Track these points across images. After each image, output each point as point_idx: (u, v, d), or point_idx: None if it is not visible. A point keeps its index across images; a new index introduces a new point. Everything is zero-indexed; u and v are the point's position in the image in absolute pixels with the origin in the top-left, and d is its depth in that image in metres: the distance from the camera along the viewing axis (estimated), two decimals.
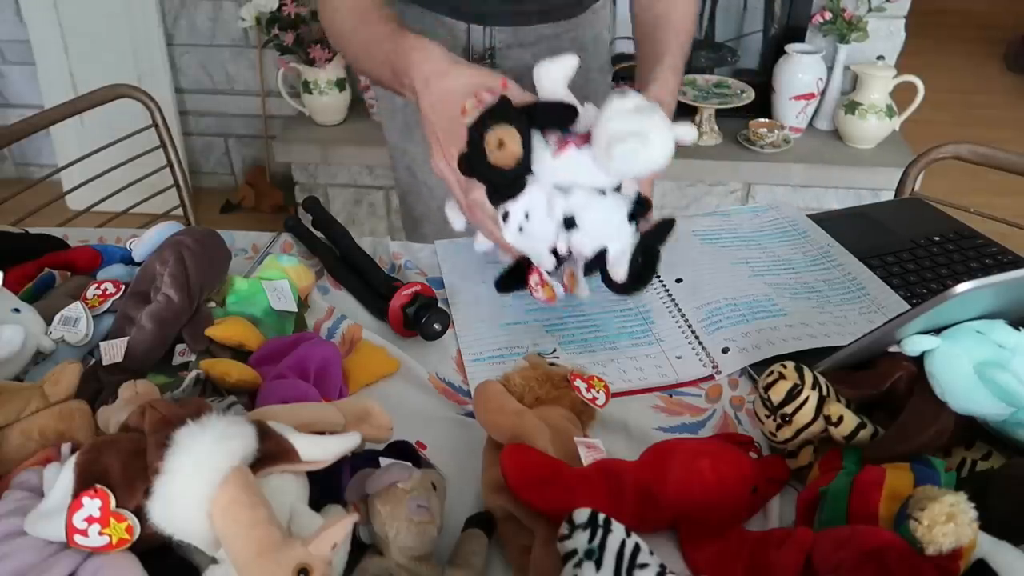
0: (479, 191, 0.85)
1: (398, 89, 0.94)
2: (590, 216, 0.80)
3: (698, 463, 0.65)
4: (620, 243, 0.82)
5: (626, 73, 2.26)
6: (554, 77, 0.83)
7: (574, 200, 0.80)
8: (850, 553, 0.55)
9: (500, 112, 0.79)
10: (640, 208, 0.80)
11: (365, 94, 2.43)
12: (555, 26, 1.15)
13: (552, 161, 0.80)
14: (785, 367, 0.68)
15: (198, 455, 0.52)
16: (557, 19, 1.14)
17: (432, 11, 1.14)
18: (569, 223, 0.81)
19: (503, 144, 0.77)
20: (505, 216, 0.83)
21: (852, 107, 2.25)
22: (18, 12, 2.58)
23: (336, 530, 0.51)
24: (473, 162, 0.81)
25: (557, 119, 0.80)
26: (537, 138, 0.80)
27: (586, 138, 0.78)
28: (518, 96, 0.84)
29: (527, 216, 0.81)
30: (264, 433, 0.56)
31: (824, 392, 0.67)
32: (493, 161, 0.78)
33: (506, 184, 0.81)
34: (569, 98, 0.82)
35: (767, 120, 2.32)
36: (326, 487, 0.60)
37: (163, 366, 0.79)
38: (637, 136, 0.73)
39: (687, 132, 0.76)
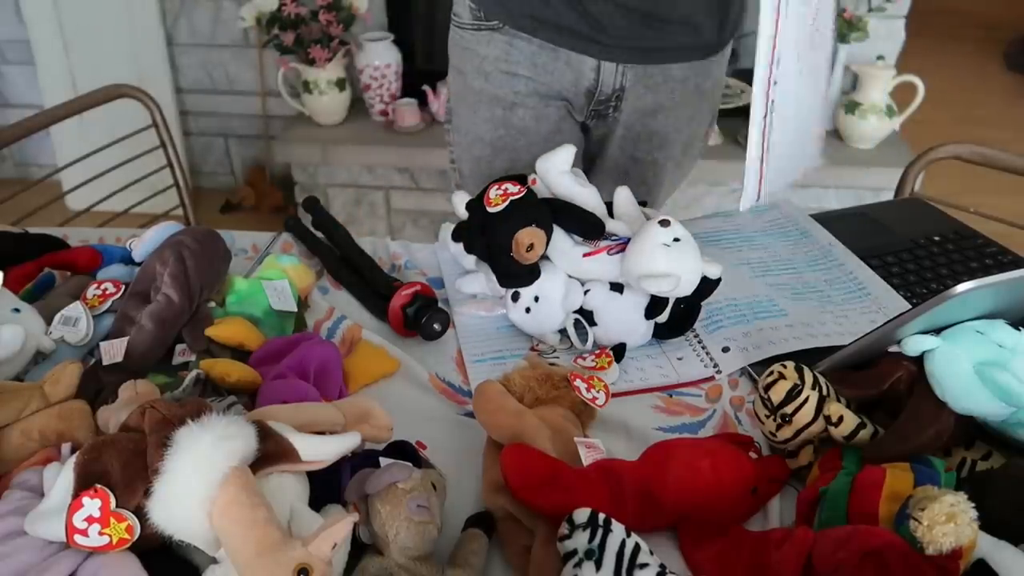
0: None
1: None
2: (610, 316, 0.85)
3: (698, 463, 0.65)
4: (637, 338, 0.86)
5: None
6: (560, 168, 0.87)
7: (593, 298, 0.85)
8: (850, 553, 0.55)
9: (531, 212, 0.82)
10: (656, 308, 0.83)
11: (365, 93, 2.43)
12: (686, 69, 1.08)
13: (579, 257, 0.84)
14: (785, 367, 0.68)
15: (198, 455, 0.52)
16: (675, 60, 1.08)
17: (560, 47, 1.04)
18: (588, 318, 0.85)
19: (532, 247, 0.81)
20: (515, 296, 0.85)
21: (852, 107, 2.25)
22: (18, 12, 2.58)
23: (336, 530, 0.51)
24: (495, 253, 0.84)
25: (583, 231, 0.84)
26: (557, 230, 0.84)
27: (621, 247, 0.82)
28: (543, 192, 0.87)
29: (536, 299, 0.84)
30: (264, 433, 0.56)
31: (824, 392, 0.67)
32: (517, 258, 0.81)
33: (524, 275, 0.85)
34: (576, 186, 0.86)
35: None
36: (326, 487, 0.60)
37: (163, 366, 0.78)
38: (670, 279, 0.77)
39: (714, 271, 0.82)
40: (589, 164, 1.22)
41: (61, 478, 0.55)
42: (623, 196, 0.89)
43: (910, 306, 0.90)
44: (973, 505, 0.53)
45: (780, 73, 0.80)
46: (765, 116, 0.80)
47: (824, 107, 0.88)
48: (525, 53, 1.05)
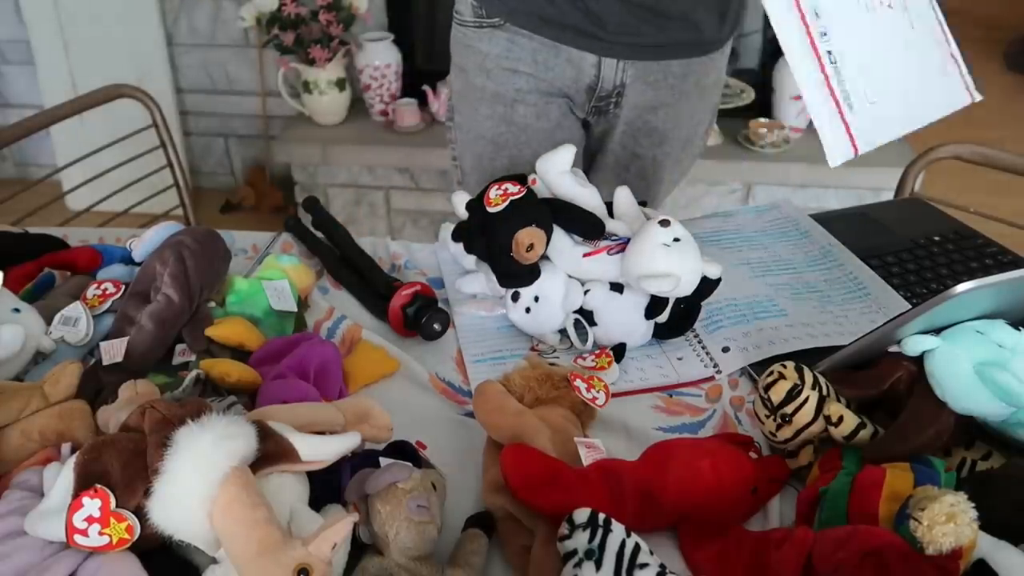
0: None
1: None
2: (610, 316, 0.84)
3: (698, 463, 0.65)
4: (637, 338, 0.85)
5: None
6: (560, 169, 0.87)
7: (593, 298, 0.85)
8: (850, 553, 0.55)
9: (531, 212, 0.82)
10: (656, 308, 0.83)
11: (365, 93, 2.43)
12: (686, 66, 1.09)
13: (579, 257, 0.83)
14: (785, 367, 0.68)
15: (198, 455, 0.52)
16: (675, 56, 1.08)
17: (562, 44, 1.04)
18: (588, 318, 0.85)
19: (532, 247, 0.81)
20: (515, 296, 0.85)
21: None
22: (18, 12, 2.58)
23: (336, 530, 0.51)
24: (494, 253, 0.84)
25: (583, 231, 0.84)
26: (557, 230, 0.84)
27: (621, 247, 0.81)
28: (543, 192, 0.87)
29: (536, 299, 0.84)
30: (264, 433, 0.56)
31: (824, 392, 0.67)
32: (517, 258, 0.81)
33: (524, 275, 0.85)
34: (577, 186, 0.86)
35: (767, 120, 2.32)
36: (326, 487, 0.60)
37: (163, 366, 0.78)
38: (669, 279, 0.77)
39: (714, 271, 0.82)
40: (590, 160, 1.23)
41: (61, 478, 0.55)
42: (623, 196, 0.89)
43: (910, 306, 0.90)
44: (973, 505, 0.53)
45: (826, 23, 0.78)
46: (823, 69, 0.78)
47: (939, 31, 0.84)
48: (526, 50, 1.06)
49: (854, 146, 0.79)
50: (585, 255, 0.84)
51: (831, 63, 0.79)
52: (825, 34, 0.80)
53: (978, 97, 0.86)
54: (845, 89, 0.79)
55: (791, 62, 0.80)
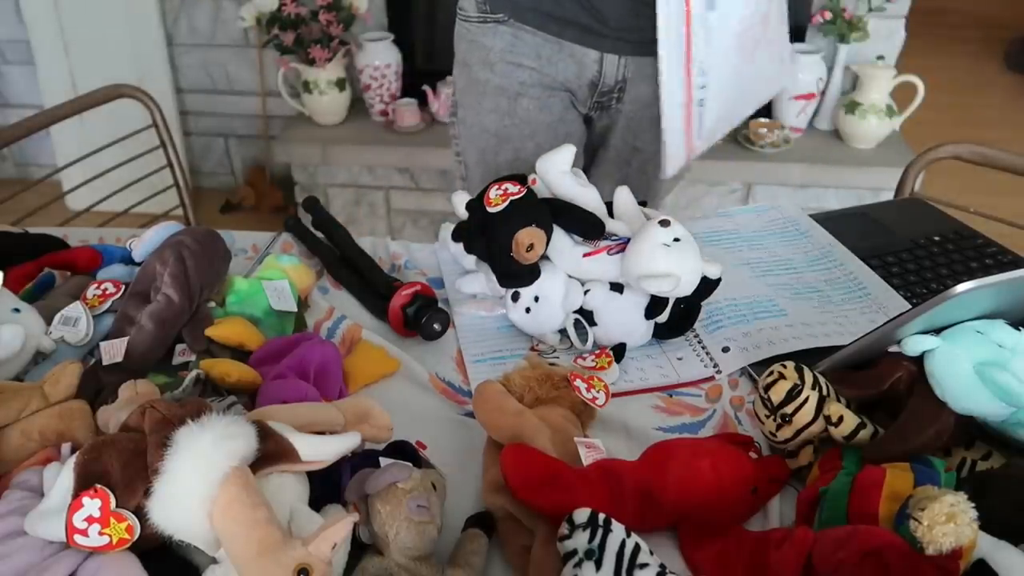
0: None
1: None
2: (610, 316, 0.84)
3: (698, 463, 0.65)
4: (637, 338, 0.86)
5: None
6: (560, 168, 0.87)
7: (593, 298, 0.85)
8: (850, 553, 0.55)
9: (531, 212, 0.83)
10: (656, 308, 0.83)
11: (365, 93, 2.43)
12: None
13: (579, 257, 0.84)
14: (785, 367, 0.68)
15: (198, 455, 0.52)
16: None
17: (565, 40, 1.06)
18: (588, 318, 0.85)
19: (532, 247, 0.81)
20: (515, 296, 0.85)
21: (852, 107, 2.25)
22: (18, 12, 2.58)
23: (336, 530, 0.51)
24: (494, 253, 0.84)
25: (583, 231, 0.84)
26: (557, 230, 0.84)
27: (621, 247, 0.82)
28: (543, 192, 0.88)
29: (536, 299, 0.84)
30: (264, 433, 0.56)
31: (824, 392, 0.67)
32: (517, 258, 0.81)
33: (524, 275, 0.85)
34: (577, 186, 0.87)
35: (767, 120, 2.32)
36: (326, 487, 0.60)
37: (163, 366, 0.78)
38: (669, 279, 0.77)
39: (714, 271, 0.82)
40: (591, 155, 1.24)
41: (61, 478, 0.55)
42: (623, 196, 0.89)
43: (910, 306, 0.90)
44: (973, 505, 0.53)
45: (707, 80, 0.95)
46: (689, 109, 0.87)
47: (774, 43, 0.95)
48: (530, 45, 1.07)
49: (688, 159, 0.92)
50: (585, 255, 0.84)
51: (699, 105, 0.91)
52: (704, 87, 0.92)
53: (787, 81, 1.02)
54: (702, 121, 0.91)
55: (665, 104, 0.94)
